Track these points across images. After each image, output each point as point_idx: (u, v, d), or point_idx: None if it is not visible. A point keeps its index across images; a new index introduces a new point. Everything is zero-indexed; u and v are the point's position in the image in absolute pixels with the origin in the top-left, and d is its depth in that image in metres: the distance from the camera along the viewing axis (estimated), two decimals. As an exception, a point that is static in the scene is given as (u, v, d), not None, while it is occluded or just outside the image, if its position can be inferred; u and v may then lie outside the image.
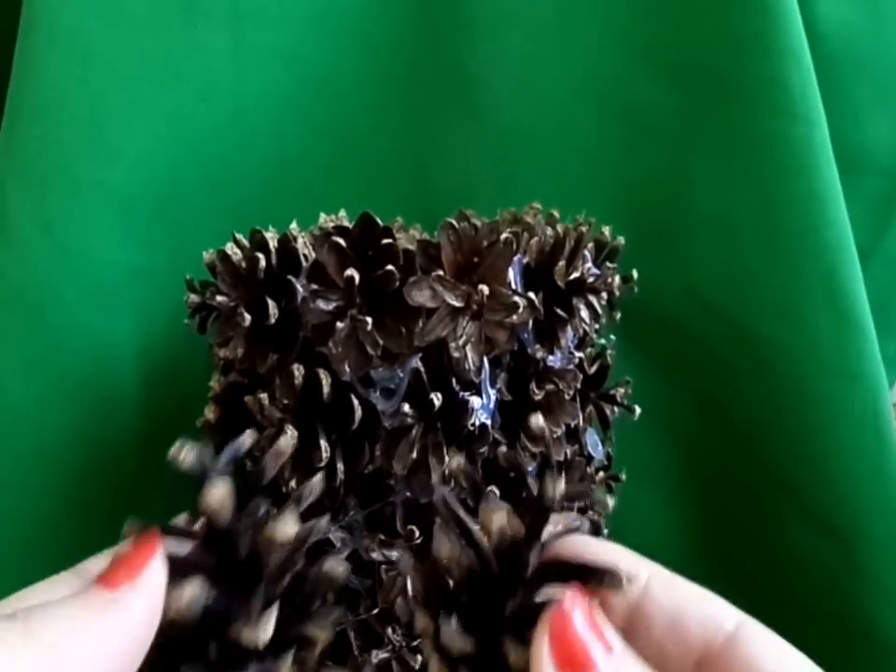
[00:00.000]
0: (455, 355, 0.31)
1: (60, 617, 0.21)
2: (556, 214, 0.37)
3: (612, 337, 0.39)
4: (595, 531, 0.36)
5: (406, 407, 0.32)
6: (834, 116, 0.40)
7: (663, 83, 0.43)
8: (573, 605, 0.22)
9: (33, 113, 0.40)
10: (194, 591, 0.23)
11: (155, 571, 0.22)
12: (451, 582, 0.24)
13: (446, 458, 0.32)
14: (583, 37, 0.44)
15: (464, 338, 0.31)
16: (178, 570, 0.23)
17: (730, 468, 0.44)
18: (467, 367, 0.31)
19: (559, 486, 0.24)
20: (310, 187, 0.45)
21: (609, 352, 0.38)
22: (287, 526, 0.25)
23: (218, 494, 0.24)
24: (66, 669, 0.20)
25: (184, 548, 0.24)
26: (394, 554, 0.33)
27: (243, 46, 0.43)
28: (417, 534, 0.33)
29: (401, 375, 0.32)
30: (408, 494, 0.33)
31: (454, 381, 0.32)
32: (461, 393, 0.32)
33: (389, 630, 0.34)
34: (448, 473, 0.31)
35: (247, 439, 0.26)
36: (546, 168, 0.45)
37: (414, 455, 0.31)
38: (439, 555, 0.24)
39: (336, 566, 0.26)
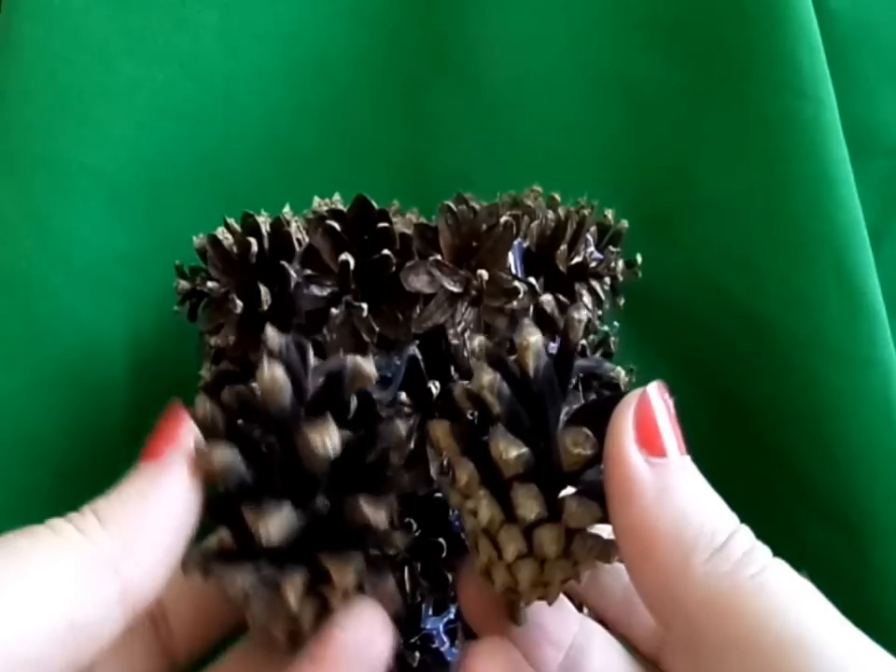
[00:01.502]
0: (454, 342, 0.31)
1: (122, 497, 0.23)
2: (557, 197, 0.37)
3: (616, 323, 0.39)
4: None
5: (403, 396, 0.31)
6: (844, 95, 0.39)
7: (665, 60, 0.42)
8: (660, 392, 0.23)
9: (17, 93, 0.39)
10: (226, 454, 0.24)
11: (191, 433, 0.24)
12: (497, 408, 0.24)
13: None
14: (584, 14, 0.43)
15: (463, 324, 0.31)
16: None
17: (738, 456, 0.43)
18: (465, 354, 0.31)
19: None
20: (303, 169, 0.44)
21: (612, 339, 0.38)
22: (332, 438, 0.24)
23: (276, 373, 0.24)
24: (145, 539, 0.22)
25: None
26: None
27: (232, 23, 0.42)
28: (415, 527, 0.33)
29: (398, 363, 0.31)
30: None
31: (452, 369, 0.31)
32: (460, 381, 0.31)
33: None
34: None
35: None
36: (547, 150, 0.44)
37: (411, 445, 0.31)
38: (480, 385, 0.24)
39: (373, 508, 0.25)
